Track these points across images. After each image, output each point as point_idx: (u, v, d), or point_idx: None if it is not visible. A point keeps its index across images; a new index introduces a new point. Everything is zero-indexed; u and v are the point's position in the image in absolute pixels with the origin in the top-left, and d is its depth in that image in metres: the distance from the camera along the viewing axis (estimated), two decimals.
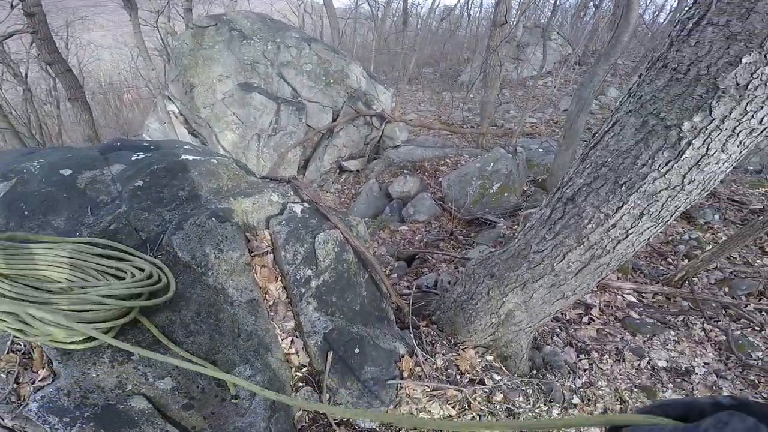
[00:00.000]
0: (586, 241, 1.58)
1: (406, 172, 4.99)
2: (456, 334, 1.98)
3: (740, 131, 1.29)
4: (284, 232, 1.53)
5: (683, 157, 1.34)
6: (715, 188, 4.93)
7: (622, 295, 3.04)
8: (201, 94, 5.79)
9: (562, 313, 2.75)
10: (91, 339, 1.05)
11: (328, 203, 1.79)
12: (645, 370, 2.43)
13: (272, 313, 1.49)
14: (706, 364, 2.56)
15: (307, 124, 5.81)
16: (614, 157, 1.47)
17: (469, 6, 18.94)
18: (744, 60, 1.22)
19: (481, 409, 1.80)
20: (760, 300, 3.15)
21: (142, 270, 1.15)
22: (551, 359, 2.27)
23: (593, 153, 1.54)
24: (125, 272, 1.14)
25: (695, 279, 3.20)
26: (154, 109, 6.52)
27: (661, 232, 1.66)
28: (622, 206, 1.46)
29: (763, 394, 2.42)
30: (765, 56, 1.22)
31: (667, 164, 1.36)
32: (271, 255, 1.51)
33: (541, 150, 5.22)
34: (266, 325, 1.42)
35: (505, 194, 3.82)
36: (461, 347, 1.98)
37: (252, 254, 1.45)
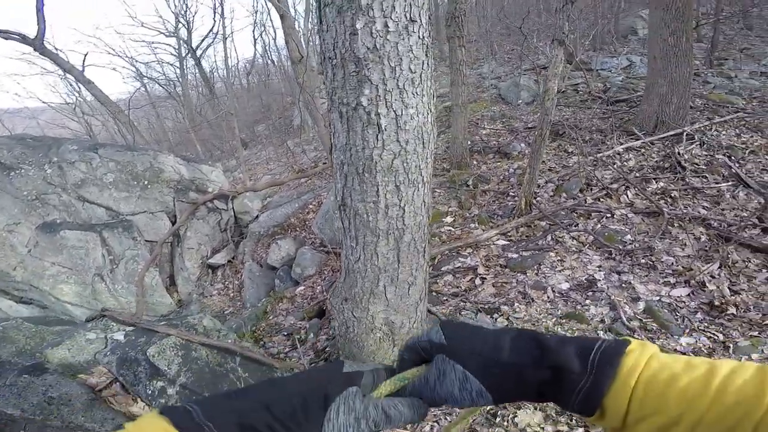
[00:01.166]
0: (380, 231, 1.90)
1: (277, 237, 5.29)
2: (364, 362, 2.34)
3: (404, 84, 1.62)
4: (114, 361, 1.75)
5: (383, 126, 1.66)
6: (511, 125, 6.64)
7: (494, 244, 3.76)
8: None
9: (457, 287, 3.25)
10: None
11: (139, 317, 2.00)
12: (556, 299, 2.87)
13: None
14: (599, 267, 3.15)
15: (146, 240, 5.68)
16: (344, 152, 1.78)
17: (269, 53, 20.48)
18: (358, 25, 1.52)
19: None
20: (591, 191, 4.32)
21: None
22: None
23: (333, 157, 1.87)
24: None
25: (536, 200, 4.22)
26: None
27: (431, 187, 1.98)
28: (378, 189, 1.79)
29: (666, 271, 2.97)
30: (368, 15, 1.50)
31: (377, 138, 1.68)
32: (118, 383, 1.71)
33: None
34: None
35: None
36: None
37: (97, 389, 1.64)
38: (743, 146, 4.68)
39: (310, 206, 5.66)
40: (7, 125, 16.73)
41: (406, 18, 1.57)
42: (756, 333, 2.39)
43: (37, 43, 8.88)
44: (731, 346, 2.32)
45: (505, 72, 9.85)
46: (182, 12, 18.12)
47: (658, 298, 2.78)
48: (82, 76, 9.96)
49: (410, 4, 1.57)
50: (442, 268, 3.49)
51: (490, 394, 0.49)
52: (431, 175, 1.96)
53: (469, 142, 5.86)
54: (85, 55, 11.48)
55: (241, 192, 6.34)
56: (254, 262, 5.30)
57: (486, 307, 2.91)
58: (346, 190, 1.88)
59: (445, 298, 3.10)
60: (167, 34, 18.48)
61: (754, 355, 2.23)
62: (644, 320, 2.61)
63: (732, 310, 2.59)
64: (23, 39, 8.84)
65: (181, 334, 1.85)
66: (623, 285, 2.93)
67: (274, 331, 3.43)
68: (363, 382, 0.52)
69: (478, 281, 3.27)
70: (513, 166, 5.30)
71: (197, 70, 18.61)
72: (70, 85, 17.16)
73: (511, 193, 4.62)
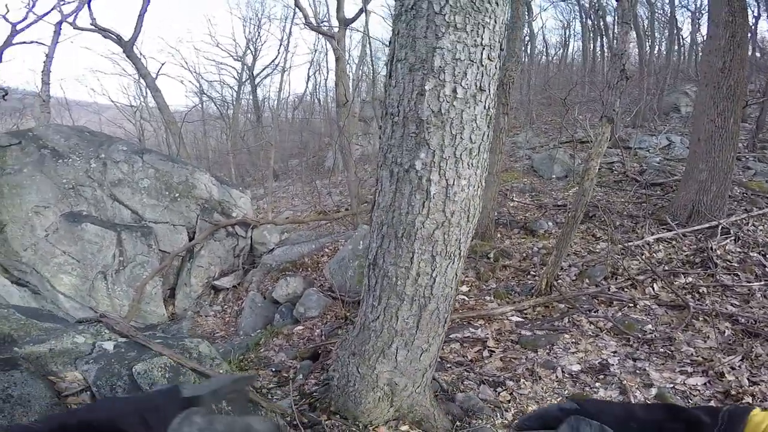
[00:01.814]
0: (405, 296, 1.84)
1: (287, 273, 5.23)
2: (357, 418, 2.17)
3: (461, 154, 1.57)
4: (94, 370, 1.65)
5: (431, 194, 1.60)
6: (540, 200, 6.55)
7: (508, 319, 3.63)
8: (16, 234, 5.21)
9: (463, 356, 3.12)
10: None
11: (136, 336, 1.87)
12: (565, 379, 2.78)
13: None
14: (614, 353, 3.04)
15: (160, 250, 5.71)
16: (386, 213, 1.72)
17: (317, 91, 21.63)
18: (427, 87, 1.50)
19: None
20: (615, 279, 4.14)
21: None
22: (469, 405, 2.43)
23: (374, 215, 1.81)
24: None
25: (557, 282, 4.07)
26: None
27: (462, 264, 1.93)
28: (413, 256, 1.74)
29: (684, 360, 2.86)
30: (439, 78, 1.48)
31: (423, 205, 1.63)
32: (89, 392, 1.61)
33: None
34: None
35: None
36: (372, 428, 2.17)
37: (63, 395, 1.55)
38: None
39: (326, 249, 5.63)
40: (74, 116, 17.95)
41: (476, 86, 1.55)
42: None
43: (128, 46, 9.63)
44: None
45: (541, 143, 9.84)
46: (254, 39, 19.56)
47: (672, 385, 2.66)
48: (153, 83, 10.64)
49: (482, 73, 1.55)
50: (451, 335, 3.40)
51: None
52: (467, 249, 1.94)
53: (496, 214, 5.82)
54: (162, 65, 12.36)
55: (263, 223, 6.40)
56: (258, 293, 5.21)
57: (490, 379, 2.79)
58: (380, 251, 1.83)
59: (449, 366, 2.99)
60: (235, 57, 19.85)
61: None
62: None
63: (748, 399, 2.47)
64: (119, 40, 9.59)
65: (174, 356, 1.78)
66: (637, 371, 2.83)
67: (262, 365, 3.29)
68: (206, 400, 0.56)
69: (486, 353, 3.16)
70: (538, 245, 5.19)
71: (251, 97, 19.76)
72: (140, 89, 18.46)
73: (532, 272, 4.49)
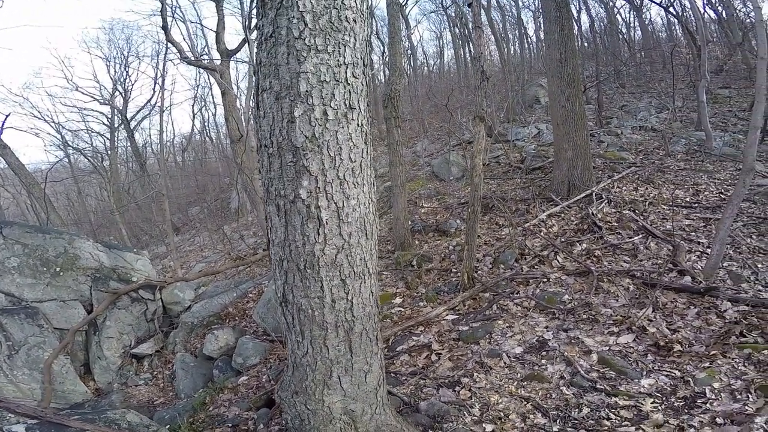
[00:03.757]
0: (328, 325, 1.79)
1: (214, 327, 4.88)
2: None
3: (344, 175, 1.56)
4: None
5: (323, 220, 1.57)
6: (446, 201, 7.09)
7: (444, 319, 3.81)
8: None
9: (414, 365, 3.20)
10: None
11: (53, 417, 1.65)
12: (513, 363, 2.91)
13: None
14: (546, 328, 3.25)
15: (54, 328, 4.92)
16: (283, 248, 1.66)
17: (207, 129, 20.50)
18: (296, 113, 1.46)
19: None
20: (525, 259, 4.59)
21: None
22: (434, 411, 2.46)
23: (271, 253, 1.77)
24: None
25: (477, 273, 4.40)
26: None
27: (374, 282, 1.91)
28: (322, 284, 1.70)
29: (608, 322, 3.11)
30: (308, 102, 1.45)
31: (318, 233, 1.59)
32: None
33: None
34: None
35: None
36: None
37: None
38: (642, 199, 5.35)
39: (250, 295, 5.38)
40: None
41: (346, 105, 1.57)
42: (708, 364, 2.56)
43: None
44: (690, 380, 2.45)
45: (437, 149, 10.60)
46: (121, 79, 17.81)
47: (607, 347, 2.92)
48: None
49: (349, 92, 1.57)
50: (397, 348, 3.45)
51: None
52: (376, 265, 1.95)
53: (410, 222, 6.11)
54: (7, 116, 10.04)
55: (171, 282, 5.86)
56: (187, 353, 4.78)
57: (446, 381, 2.87)
58: (287, 287, 1.77)
59: (404, 378, 3.03)
60: (102, 101, 17.82)
61: (715, 384, 2.37)
62: (601, 370, 2.70)
63: (677, 347, 2.77)
64: None
65: (102, 429, 1.55)
66: (572, 341, 3.04)
67: (216, 423, 3.03)
68: None
69: (434, 357, 3.26)
70: (452, 243, 5.56)
71: (129, 143, 17.90)
72: None
73: (453, 270, 4.80)
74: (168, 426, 3.02)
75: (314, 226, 1.60)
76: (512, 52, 18.75)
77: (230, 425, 2.89)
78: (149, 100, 18.21)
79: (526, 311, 3.67)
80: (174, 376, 4.49)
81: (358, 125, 1.63)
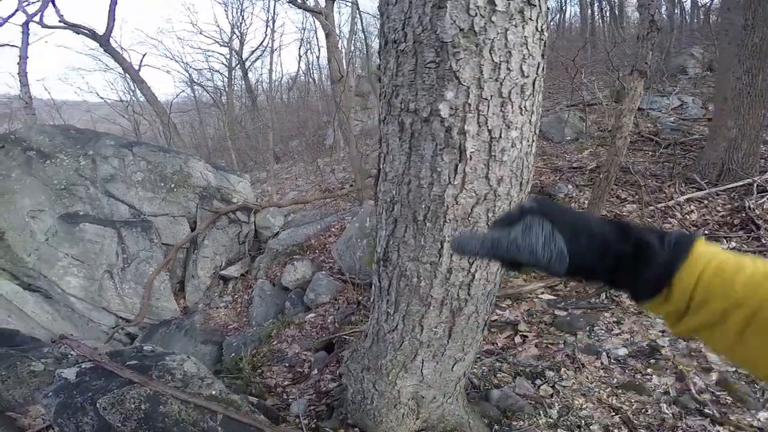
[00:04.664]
0: (432, 300, 1.36)
1: (295, 257, 4.95)
2: None
3: (509, 92, 1.06)
4: (54, 405, 1.37)
5: (467, 153, 1.08)
6: (554, 164, 6.17)
7: (538, 297, 3.28)
8: (16, 240, 5.04)
9: (492, 343, 2.81)
10: None
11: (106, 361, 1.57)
12: (612, 366, 2.47)
13: None
14: (662, 332, 2.69)
15: (162, 243, 5.45)
16: (398, 186, 1.21)
17: (311, 70, 20.87)
18: None
19: None
20: None
21: None
22: (507, 403, 2.11)
23: (380, 190, 1.31)
24: None
25: None
26: None
27: None
28: (442, 246, 1.22)
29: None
30: None
31: (456, 170, 1.12)
32: (56, 427, 1.34)
33: None
34: None
35: None
36: None
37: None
38: None
39: (333, 229, 5.32)
40: (64, 116, 17.49)
41: None
42: None
43: (104, 40, 9.17)
44: None
45: (546, 107, 9.46)
46: (238, 23, 18.74)
47: (734, 368, 2.35)
48: (136, 75, 10.25)
49: None
50: None
51: (569, 259, 0.48)
52: None
53: None
54: (143, 56, 11.71)
55: (265, 207, 6.08)
56: (267, 280, 4.96)
57: (527, 370, 2.47)
58: (393, 241, 1.30)
59: (478, 356, 2.68)
60: (221, 43, 19.08)
61: None
62: (717, 393, 2.21)
63: None
64: (93, 35, 9.14)
65: (147, 382, 1.47)
66: (693, 353, 2.51)
67: (275, 359, 3.06)
68: None
69: (518, 339, 2.82)
70: None
71: (243, 81, 19.07)
72: (127, 83, 17.88)
73: None
74: (233, 354, 3.12)
75: (452, 159, 1.10)
76: (659, 15, 15.58)
77: (287, 365, 2.86)
78: (262, 42, 18.91)
79: (642, 309, 2.99)
80: (251, 302, 4.70)
81: (536, 29, 1.10)
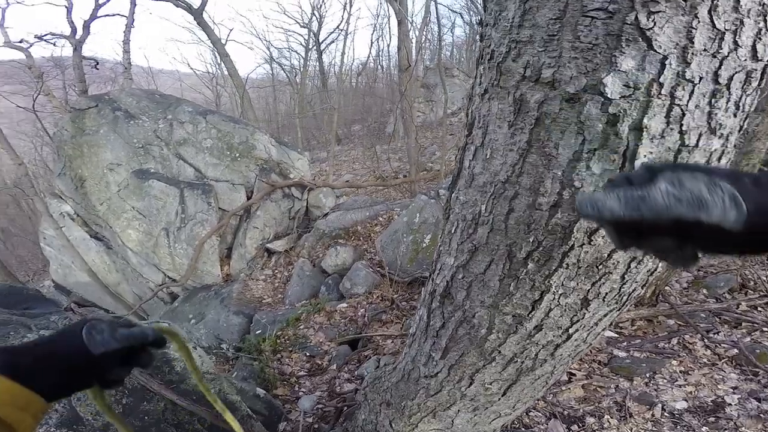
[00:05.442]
0: (498, 357, 0.99)
1: (339, 242, 4.86)
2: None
3: (732, 78, 0.63)
4: None
5: (636, 161, 0.64)
6: None
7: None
8: (93, 189, 5.46)
9: None
10: None
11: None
12: (663, 419, 2.15)
13: None
14: (733, 389, 2.32)
15: (219, 208, 5.61)
16: (492, 199, 0.77)
17: (380, 57, 20.71)
18: None
19: None
20: (746, 295, 3.16)
21: None
22: None
23: (455, 199, 0.90)
24: None
25: (666, 289, 3.19)
26: (45, 212, 5.99)
27: None
28: (542, 297, 0.81)
29: None
30: None
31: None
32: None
33: None
34: None
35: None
36: None
37: None
38: None
39: (380, 218, 5.15)
40: (157, 83, 18.93)
41: None
42: None
43: (198, 14, 9.68)
44: None
45: None
46: (318, 5, 19.00)
47: None
48: (222, 49, 10.70)
49: None
50: None
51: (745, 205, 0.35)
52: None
53: None
54: (230, 30, 12.29)
55: (319, 186, 6.05)
56: (308, 260, 4.92)
57: (564, 412, 2.17)
58: (464, 276, 0.90)
59: None
60: (302, 24, 19.47)
61: None
62: None
63: None
64: (188, 8, 9.68)
65: (137, 376, 1.30)
66: (761, 414, 2.11)
67: (298, 345, 2.97)
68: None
69: (564, 376, 2.48)
70: None
71: (318, 63, 19.37)
72: (214, 56, 18.86)
73: None
74: (259, 332, 3.07)
75: (605, 170, 0.66)
76: None
77: (307, 354, 2.75)
78: (338, 26, 18.97)
79: (716, 360, 2.52)
80: (289, 279, 4.68)
81: None
